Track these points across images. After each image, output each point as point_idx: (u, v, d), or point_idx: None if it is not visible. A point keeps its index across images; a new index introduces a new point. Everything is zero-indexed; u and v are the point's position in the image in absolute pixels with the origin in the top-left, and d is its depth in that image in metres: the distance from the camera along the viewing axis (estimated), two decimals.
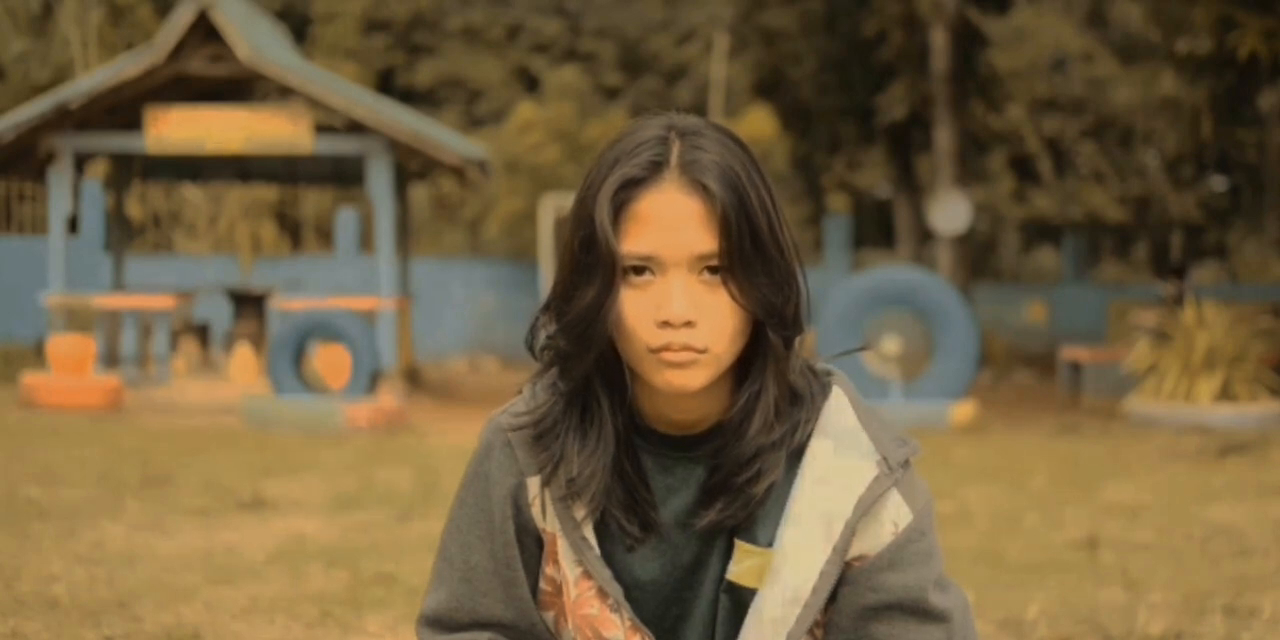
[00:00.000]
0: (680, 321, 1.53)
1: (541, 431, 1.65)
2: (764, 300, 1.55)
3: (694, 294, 1.54)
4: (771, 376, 1.59)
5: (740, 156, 1.58)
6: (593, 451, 1.62)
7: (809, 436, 1.63)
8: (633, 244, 1.54)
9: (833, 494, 1.61)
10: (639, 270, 1.55)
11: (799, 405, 1.63)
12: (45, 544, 5.44)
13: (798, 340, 1.61)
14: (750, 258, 1.54)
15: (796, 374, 1.62)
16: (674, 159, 1.56)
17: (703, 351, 1.54)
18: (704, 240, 1.53)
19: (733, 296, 1.54)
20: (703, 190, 1.54)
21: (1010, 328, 21.33)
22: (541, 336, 1.65)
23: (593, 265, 1.55)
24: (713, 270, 1.54)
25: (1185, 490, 7.46)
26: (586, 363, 1.60)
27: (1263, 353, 12.21)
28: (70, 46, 20.76)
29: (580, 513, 1.65)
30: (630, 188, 1.55)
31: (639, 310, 1.54)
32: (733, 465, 1.59)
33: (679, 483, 1.65)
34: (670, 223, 1.53)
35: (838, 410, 1.65)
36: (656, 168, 1.55)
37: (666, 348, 1.54)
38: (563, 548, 1.67)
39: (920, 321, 11.68)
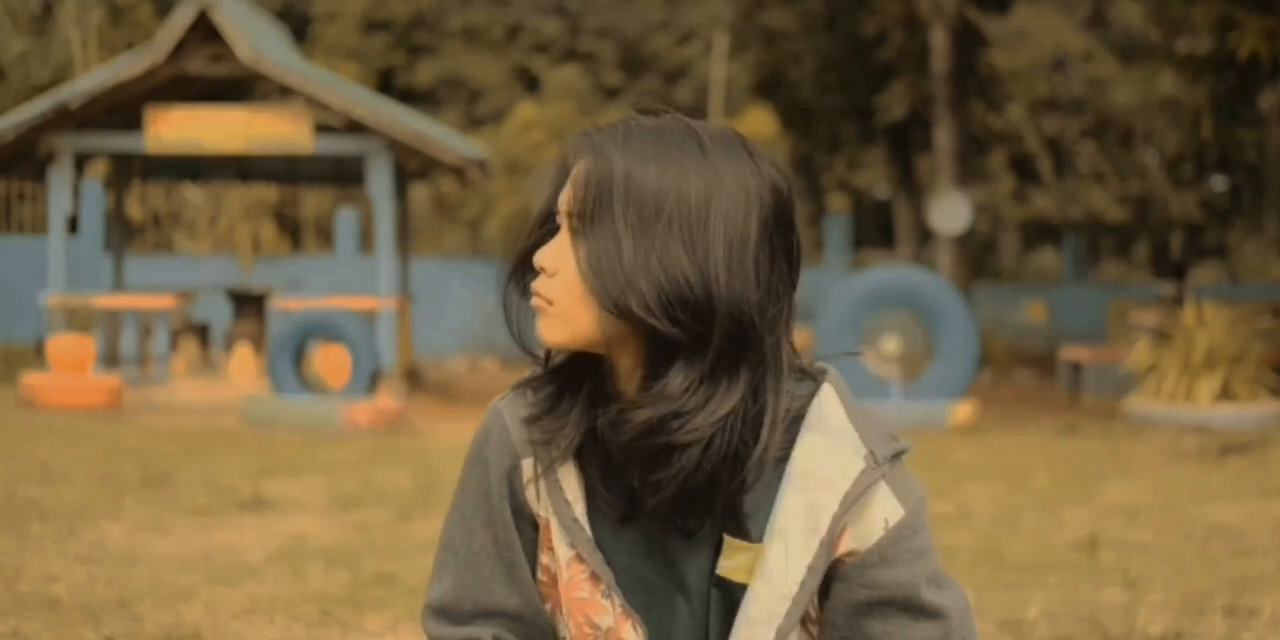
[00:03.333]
0: (538, 266, 1.59)
1: (534, 399, 1.69)
2: (601, 270, 1.53)
3: (562, 247, 1.58)
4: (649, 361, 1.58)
5: (685, 150, 1.56)
6: (569, 410, 1.65)
7: (791, 442, 1.61)
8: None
9: (820, 489, 1.61)
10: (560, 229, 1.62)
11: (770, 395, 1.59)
12: (45, 544, 5.44)
13: (767, 344, 1.57)
14: (602, 225, 1.54)
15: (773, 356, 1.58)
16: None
17: (550, 303, 1.58)
18: (569, 198, 1.58)
19: (575, 253, 1.56)
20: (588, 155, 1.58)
21: (1010, 328, 21.33)
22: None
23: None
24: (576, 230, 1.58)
25: (1185, 490, 7.46)
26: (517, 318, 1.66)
27: (1263, 353, 12.21)
28: (70, 46, 20.77)
29: (569, 485, 1.66)
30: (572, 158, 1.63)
31: None
32: (681, 450, 1.59)
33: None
34: (570, 182, 1.59)
35: (828, 407, 1.64)
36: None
37: (530, 294, 1.61)
38: (556, 531, 1.68)
39: (920, 321, 11.67)
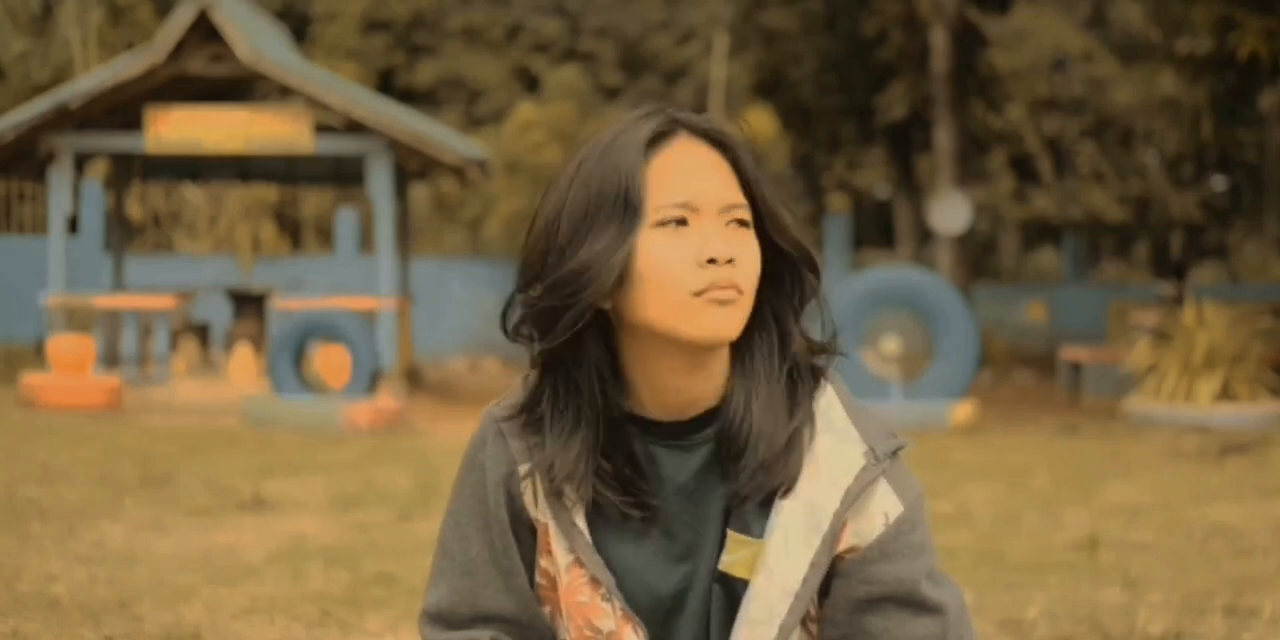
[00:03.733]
0: (725, 259, 1.56)
1: (529, 419, 1.67)
2: (795, 241, 1.63)
3: (734, 237, 1.60)
4: (776, 336, 1.64)
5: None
6: (571, 435, 1.63)
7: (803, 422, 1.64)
8: (667, 193, 1.58)
9: (821, 485, 1.62)
10: (680, 221, 1.58)
11: (797, 387, 1.64)
12: (45, 544, 5.44)
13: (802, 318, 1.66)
14: (774, 207, 1.62)
15: (801, 350, 1.65)
16: (687, 122, 1.63)
17: (742, 293, 1.58)
18: (731, 191, 1.60)
19: (770, 237, 1.62)
20: (721, 145, 1.62)
21: (1010, 328, 21.32)
22: (516, 316, 1.64)
23: (610, 216, 1.57)
24: (739, 222, 1.60)
25: (1185, 490, 7.46)
26: (574, 318, 1.57)
27: (1263, 353, 12.20)
28: (70, 46, 20.76)
29: (571, 499, 1.65)
30: (656, 143, 1.60)
31: (679, 254, 1.57)
32: (740, 442, 1.60)
33: (674, 470, 1.65)
34: (697, 172, 1.60)
35: (827, 403, 1.66)
36: (674, 125, 1.62)
37: (713, 286, 1.56)
38: (555, 536, 1.67)
39: (920, 321, 11.67)
